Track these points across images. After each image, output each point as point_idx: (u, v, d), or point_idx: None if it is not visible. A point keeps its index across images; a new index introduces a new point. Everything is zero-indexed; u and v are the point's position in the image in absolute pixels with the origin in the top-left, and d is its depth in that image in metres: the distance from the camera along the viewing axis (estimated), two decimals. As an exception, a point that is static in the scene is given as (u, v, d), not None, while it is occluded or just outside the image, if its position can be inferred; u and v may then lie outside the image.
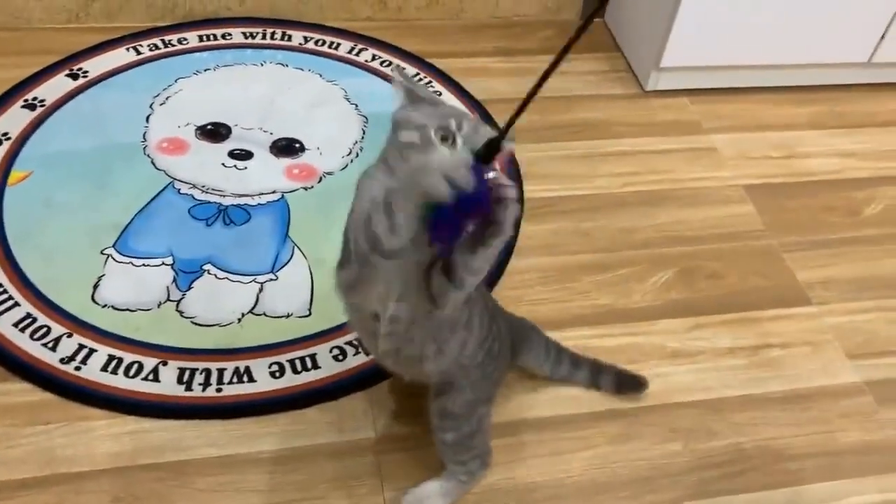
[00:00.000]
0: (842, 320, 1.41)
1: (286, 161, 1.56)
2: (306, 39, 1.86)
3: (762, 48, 1.80)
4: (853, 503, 1.16)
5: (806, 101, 1.88)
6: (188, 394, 1.19)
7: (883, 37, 1.82)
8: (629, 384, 1.25)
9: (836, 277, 1.49)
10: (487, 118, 1.70)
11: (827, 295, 1.45)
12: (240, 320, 1.29)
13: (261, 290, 1.33)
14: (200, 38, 1.82)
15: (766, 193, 1.64)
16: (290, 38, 1.85)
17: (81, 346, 1.22)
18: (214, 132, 1.60)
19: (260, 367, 1.23)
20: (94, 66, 1.72)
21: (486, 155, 0.76)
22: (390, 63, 1.82)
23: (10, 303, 1.27)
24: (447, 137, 0.80)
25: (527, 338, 1.19)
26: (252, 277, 1.35)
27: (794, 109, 1.86)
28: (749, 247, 1.52)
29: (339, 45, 1.85)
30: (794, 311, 1.42)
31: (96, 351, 1.22)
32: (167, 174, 1.50)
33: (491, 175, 0.76)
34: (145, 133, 1.58)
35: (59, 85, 1.66)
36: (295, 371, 1.23)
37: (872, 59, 1.86)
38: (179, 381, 1.20)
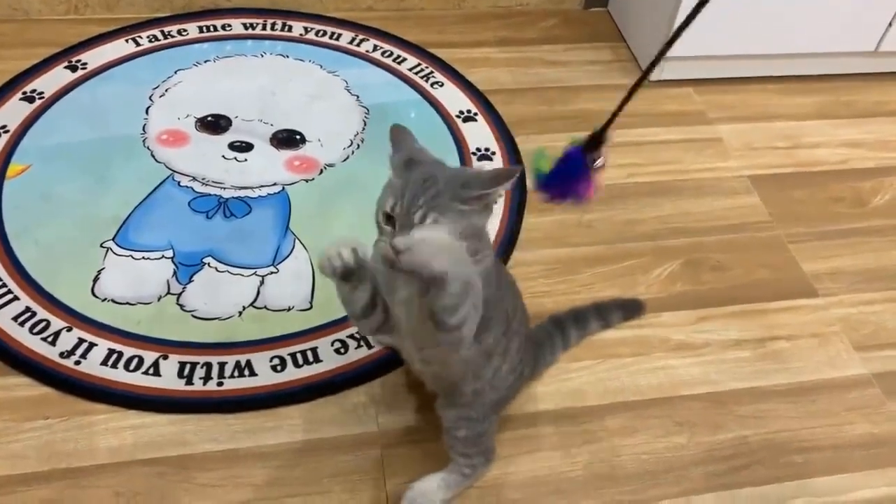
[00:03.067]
0: (849, 312, 1.40)
1: (287, 153, 1.55)
2: (307, 30, 1.84)
3: (768, 37, 1.78)
4: (860, 497, 1.15)
5: (812, 91, 1.86)
6: (189, 388, 1.18)
7: (890, 24, 1.79)
8: (633, 309, 1.29)
9: (843, 268, 1.47)
10: (489, 109, 1.68)
11: (834, 286, 1.44)
12: (240, 314, 1.28)
13: (261, 283, 1.32)
14: (200, 30, 1.80)
15: (772, 184, 1.62)
16: (290, 28, 1.84)
17: (81, 341, 1.22)
18: (214, 124, 1.58)
19: (261, 360, 1.22)
20: (93, 57, 1.70)
21: (590, 145, 0.86)
22: (391, 53, 1.80)
23: (10, 297, 1.26)
24: (390, 218, 0.86)
25: (541, 352, 1.20)
26: (253, 270, 1.34)
27: (800, 99, 1.84)
28: (755, 238, 1.51)
29: (339, 35, 1.84)
30: (800, 302, 1.40)
31: (96, 345, 1.21)
32: (167, 166, 1.49)
33: (597, 163, 0.87)
34: (145, 125, 1.57)
35: (57, 77, 1.65)
36: (296, 365, 1.22)
37: (879, 48, 1.84)
38: (180, 375, 1.19)
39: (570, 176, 0.89)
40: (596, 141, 0.87)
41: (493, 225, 1.45)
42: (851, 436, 1.22)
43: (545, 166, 0.91)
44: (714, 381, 1.27)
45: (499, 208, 1.48)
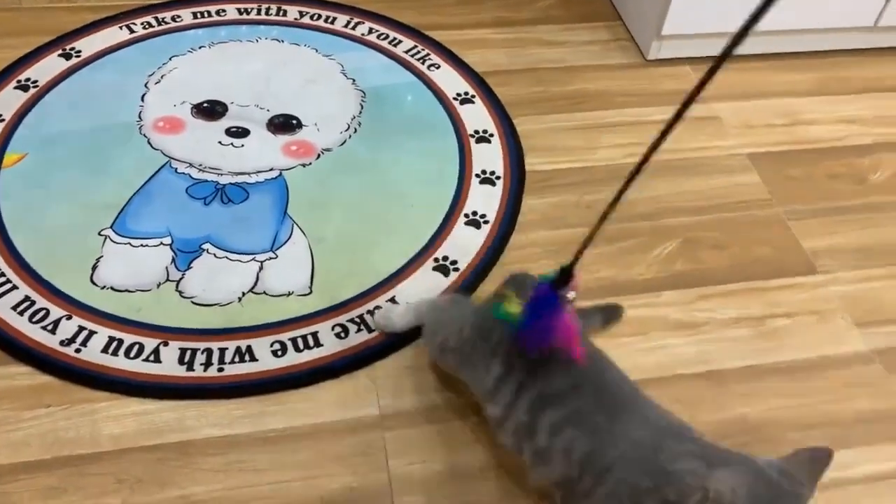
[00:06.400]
0: (848, 289, 1.39)
1: (283, 138, 1.54)
2: (301, 14, 1.83)
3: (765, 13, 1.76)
4: (864, 471, 1.16)
5: (810, 67, 1.85)
6: (189, 374, 1.18)
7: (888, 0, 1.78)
8: (613, 315, 1.20)
9: (842, 245, 1.47)
10: (486, 91, 1.67)
11: (833, 263, 1.43)
12: (240, 299, 1.28)
13: (261, 268, 1.32)
14: (194, 15, 1.79)
15: (771, 162, 1.61)
16: (285, 13, 1.83)
17: (81, 328, 1.22)
18: (210, 110, 1.58)
19: (261, 346, 1.22)
20: (88, 45, 1.69)
21: (560, 280, 0.84)
22: (387, 36, 1.79)
23: (9, 286, 1.26)
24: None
25: None
26: (251, 256, 1.34)
27: (797, 76, 1.83)
28: (753, 216, 1.50)
29: (334, 19, 1.83)
30: (799, 280, 1.40)
31: (96, 333, 1.21)
32: (164, 153, 1.49)
33: (570, 295, 0.85)
34: (141, 112, 1.56)
35: (52, 65, 1.64)
36: (297, 349, 1.22)
37: (878, 23, 1.83)
38: (181, 361, 1.19)
39: (546, 317, 0.85)
40: (566, 275, 0.84)
41: (492, 207, 1.45)
42: (854, 411, 1.22)
43: (514, 310, 0.86)
44: (714, 360, 1.27)
45: (497, 190, 1.48)
